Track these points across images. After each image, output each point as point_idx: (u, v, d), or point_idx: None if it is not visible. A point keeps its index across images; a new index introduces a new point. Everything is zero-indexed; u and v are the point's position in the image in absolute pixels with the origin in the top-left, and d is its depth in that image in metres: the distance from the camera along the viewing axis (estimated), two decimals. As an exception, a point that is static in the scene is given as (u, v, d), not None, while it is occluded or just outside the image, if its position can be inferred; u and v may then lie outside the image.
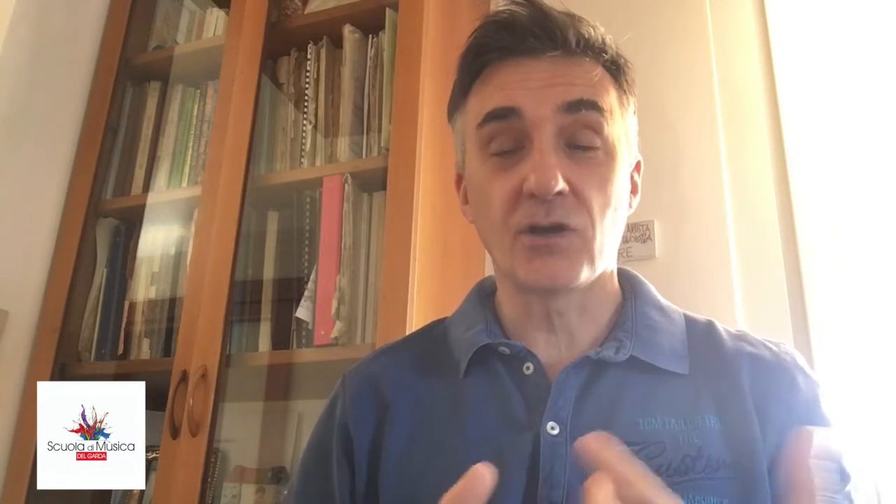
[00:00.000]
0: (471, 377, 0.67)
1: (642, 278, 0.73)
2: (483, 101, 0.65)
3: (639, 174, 0.71)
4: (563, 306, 0.66)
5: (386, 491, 0.64)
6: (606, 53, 0.65)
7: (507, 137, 0.63)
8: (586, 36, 0.64)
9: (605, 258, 0.64)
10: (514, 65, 0.64)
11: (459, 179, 0.73)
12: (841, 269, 1.23)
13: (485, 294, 0.74)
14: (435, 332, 0.75)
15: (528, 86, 0.62)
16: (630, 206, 0.69)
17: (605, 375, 0.64)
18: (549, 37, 0.63)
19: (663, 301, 0.71)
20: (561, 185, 0.59)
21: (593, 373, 0.64)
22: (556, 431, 0.61)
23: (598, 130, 0.62)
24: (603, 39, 0.65)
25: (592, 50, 0.64)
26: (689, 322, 0.70)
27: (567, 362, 0.64)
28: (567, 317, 0.66)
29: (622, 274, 0.73)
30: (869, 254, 1.23)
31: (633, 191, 0.70)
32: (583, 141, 0.62)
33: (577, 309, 0.66)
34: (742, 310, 1.23)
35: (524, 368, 0.65)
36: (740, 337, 0.68)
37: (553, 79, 0.62)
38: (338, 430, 0.69)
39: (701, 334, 0.68)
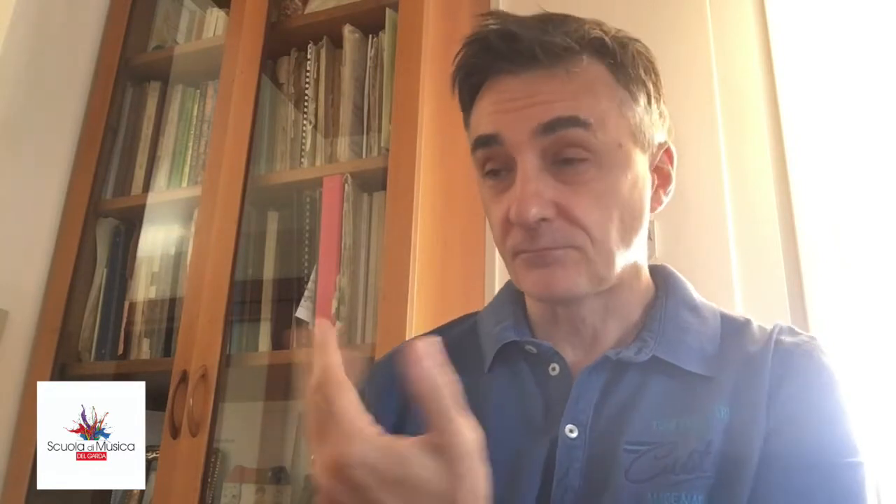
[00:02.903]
0: (495, 373, 0.67)
1: (679, 276, 0.71)
2: (476, 124, 0.65)
3: (672, 165, 0.68)
4: (586, 311, 0.65)
5: None
6: (584, 57, 0.61)
7: (496, 160, 0.63)
8: (556, 48, 0.60)
9: (619, 265, 0.63)
10: (498, 84, 0.63)
11: None
12: (841, 269, 1.23)
13: (516, 290, 0.72)
14: (465, 325, 0.74)
15: (508, 108, 0.61)
16: (660, 201, 0.67)
17: (626, 376, 0.63)
18: (518, 56, 0.61)
19: (699, 300, 0.69)
20: (542, 212, 0.58)
21: (614, 374, 0.63)
22: (574, 434, 0.60)
23: (584, 145, 0.60)
24: (582, 41, 0.61)
25: (568, 57, 0.61)
26: (725, 321, 0.68)
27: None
28: (591, 320, 0.65)
29: (658, 272, 0.71)
30: (869, 254, 1.23)
31: (664, 184, 0.67)
32: (569, 156, 0.60)
33: (602, 312, 0.65)
34: (742, 310, 1.23)
35: (550, 369, 0.64)
36: (773, 329, 0.66)
37: (530, 98, 0.60)
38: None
39: (734, 334, 0.66)
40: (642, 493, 0.56)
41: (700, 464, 0.57)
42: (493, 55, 0.62)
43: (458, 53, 0.65)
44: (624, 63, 0.63)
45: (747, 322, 0.68)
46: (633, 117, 0.63)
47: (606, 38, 0.62)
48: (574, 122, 0.59)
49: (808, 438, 0.58)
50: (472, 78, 0.65)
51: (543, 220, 0.59)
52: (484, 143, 0.62)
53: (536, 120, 0.59)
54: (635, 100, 0.63)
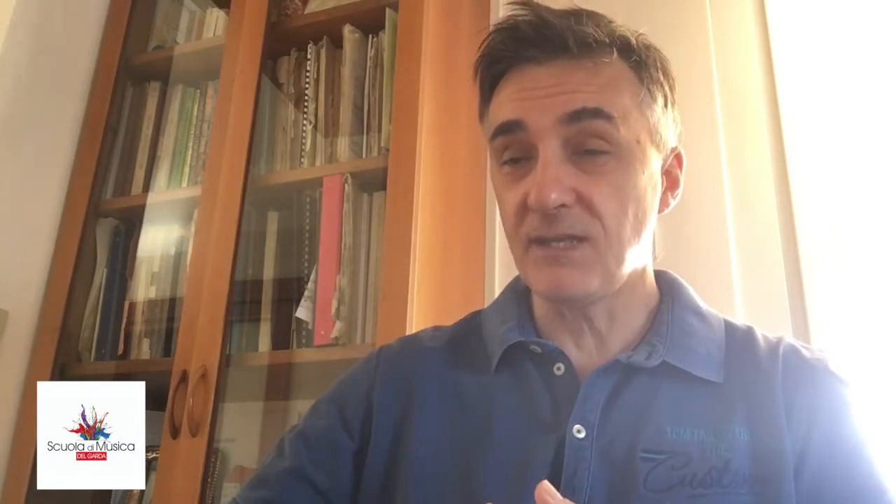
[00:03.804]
0: (501, 374, 0.67)
1: (682, 282, 0.72)
2: (495, 112, 0.65)
3: (681, 169, 0.69)
4: (590, 313, 0.65)
5: (408, 483, 0.63)
6: (615, 51, 0.62)
7: (516, 148, 0.63)
8: (588, 39, 0.61)
9: (628, 264, 0.63)
10: (522, 73, 0.63)
11: None
12: (841, 269, 1.23)
13: (521, 289, 0.73)
14: (470, 324, 0.74)
15: (532, 95, 0.62)
16: (667, 203, 0.68)
17: (636, 381, 0.63)
18: (548, 44, 0.62)
19: (703, 306, 0.70)
20: (562, 198, 0.59)
21: (624, 377, 0.63)
22: (581, 435, 0.60)
23: (606, 138, 0.60)
24: (612, 37, 0.63)
25: (598, 50, 0.62)
26: (729, 329, 0.68)
27: (598, 365, 0.63)
28: (596, 322, 0.66)
29: (662, 277, 0.71)
30: (869, 254, 1.23)
31: (672, 187, 0.68)
32: (591, 147, 0.61)
33: (606, 314, 0.66)
34: (742, 310, 1.23)
35: (555, 369, 0.65)
36: (779, 342, 0.66)
37: (557, 87, 0.61)
38: (363, 405, 0.69)
39: (739, 341, 0.67)
40: (661, 502, 0.57)
41: (718, 479, 0.57)
42: (520, 43, 0.63)
43: (483, 41, 0.66)
44: (647, 64, 0.64)
45: (750, 330, 0.69)
46: (652, 117, 0.64)
47: (633, 38, 0.64)
48: (598, 113, 0.60)
49: (841, 485, 0.59)
50: (495, 66, 0.65)
51: (562, 206, 0.59)
52: (506, 129, 0.63)
53: (562, 109, 0.60)
54: (654, 100, 0.64)
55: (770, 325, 1.20)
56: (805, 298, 1.21)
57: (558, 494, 0.46)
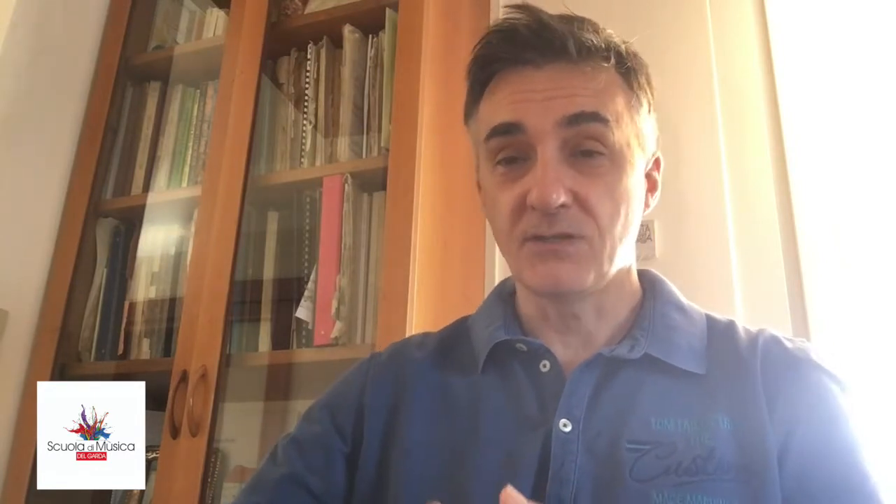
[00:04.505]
0: (488, 374, 0.68)
1: (665, 280, 0.74)
2: (490, 113, 0.66)
3: (658, 172, 0.72)
4: (578, 310, 0.66)
5: (398, 484, 0.64)
6: (612, 58, 0.64)
7: (512, 149, 0.64)
8: (587, 44, 0.63)
9: (617, 262, 0.65)
10: (518, 75, 0.64)
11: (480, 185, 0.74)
12: (841, 269, 1.23)
13: (506, 293, 0.75)
14: (459, 328, 0.76)
15: (530, 98, 0.63)
16: (647, 204, 0.70)
17: (621, 374, 0.64)
18: (548, 47, 0.63)
19: (685, 302, 0.72)
20: (563, 198, 0.60)
21: (607, 371, 0.64)
22: (568, 429, 0.61)
23: (602, 140, 0.62)
24: (608, 43, 0.65)
25: (596, 56, 0.64)
26: (711, 322, 0.70)
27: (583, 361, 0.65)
28: (583, 319, 0.67)
29: (644, 276, 0.73)
30: (869, 254, 1.23)
31: (652, 189, 0.71)
32: (588, 149, 0.62)
33: (594, 311, 0.67)
34: (742, 310, 1.23)
35: (541, 366, 0.66)
36: (759, 334, 0.68)
37: (555, 91, 0.62)
38: (354, 408, 0.70)
39: (721, 334, 0.68)
40: (647, 492, 0.58)
41: (703, 467, 0.58)
42: (518, 46, 0.64)
43: (480, 41, 0.67)
44: (636, 70, 0.67)
45: (731, 323, 0.70)
46: (639, 121, 0.66)
47: (622, 45, 0.66)
48: (596, 117, 0.62)
49: (824, 474, 0.59)
50: (490, 67, 0.66)
51: (563, 206, 0.60)
52: (504, 131, 0.64)
53: (561, 112, 0.62)
54: (641, 105, 0.67)
55: (770, 325, 1.19)
56: (805, 298, 1.21)
57: (523, 498, 0.46)
